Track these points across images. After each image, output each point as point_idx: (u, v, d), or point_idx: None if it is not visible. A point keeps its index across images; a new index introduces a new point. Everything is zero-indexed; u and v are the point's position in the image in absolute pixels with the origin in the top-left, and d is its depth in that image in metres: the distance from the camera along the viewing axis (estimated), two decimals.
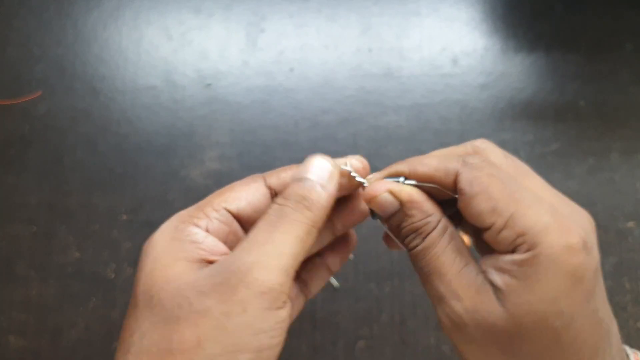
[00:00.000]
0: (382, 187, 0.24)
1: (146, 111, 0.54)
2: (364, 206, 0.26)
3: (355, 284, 0.49)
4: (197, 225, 0.23)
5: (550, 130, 0.53)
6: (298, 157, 0.52)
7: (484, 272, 0.22)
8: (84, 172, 0.53)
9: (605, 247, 0.50)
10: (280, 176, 0.25)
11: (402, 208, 0.24)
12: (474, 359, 0.22)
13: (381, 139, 0.53)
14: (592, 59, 0.55)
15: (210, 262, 0.22)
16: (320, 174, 0.24)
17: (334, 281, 0.38)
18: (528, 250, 0.21)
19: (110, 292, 0.49)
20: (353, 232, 0.28)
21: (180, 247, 0.21)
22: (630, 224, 0.50)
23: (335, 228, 0.27)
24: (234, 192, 0.24)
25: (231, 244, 0.24)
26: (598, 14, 0.56)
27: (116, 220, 0.51)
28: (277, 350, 0.21)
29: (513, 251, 0.21)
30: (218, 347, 0.19)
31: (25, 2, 0.58)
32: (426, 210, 0.24)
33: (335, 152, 0.53)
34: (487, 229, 0.22)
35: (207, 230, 0.23)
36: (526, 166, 0.25)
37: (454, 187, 0.23)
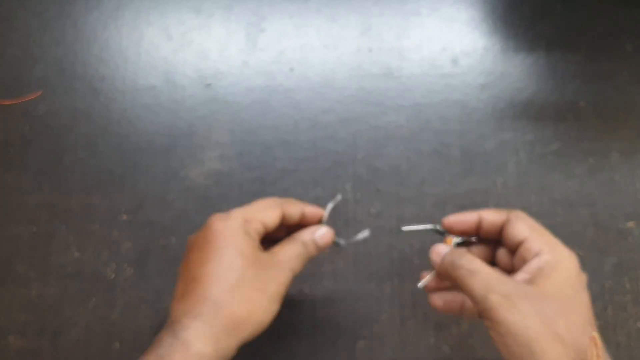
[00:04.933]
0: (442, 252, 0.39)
1: (146, 111, 0.55)
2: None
3: (355, 284, 0.49)
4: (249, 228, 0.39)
5: (550, 130, 0.53)
6: (298, 157, 0.53)
7: (514, 277, 0.36)
8: (84, 172, 0.53)
9: (605, 247, 0.50)
10: (291, 209, 0.40)
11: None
12: (518, 320, 0.32)
13: (381, 139, 0.53)
14: (592, 59, 0.55)
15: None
16: (322, 239, 0.40)
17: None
18: (549, 253, 0.35)
19: (110, 292, 0.49)
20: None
21: (247, 237, 0.37)
22: (630, 224, 0.50)
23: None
24: (268, 212, 0.39)
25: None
26: (598, 14, 0.56)
27: (116, 220, 0.51)
28: (282, 293, 0.37)
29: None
30: (258, 281, 0.36)
31: (25, 2, 0.59)
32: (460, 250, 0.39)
33: (335, 152, 0.53)
34: (521, 243, 0.36)
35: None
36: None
37: (498, 229, 0.38)
